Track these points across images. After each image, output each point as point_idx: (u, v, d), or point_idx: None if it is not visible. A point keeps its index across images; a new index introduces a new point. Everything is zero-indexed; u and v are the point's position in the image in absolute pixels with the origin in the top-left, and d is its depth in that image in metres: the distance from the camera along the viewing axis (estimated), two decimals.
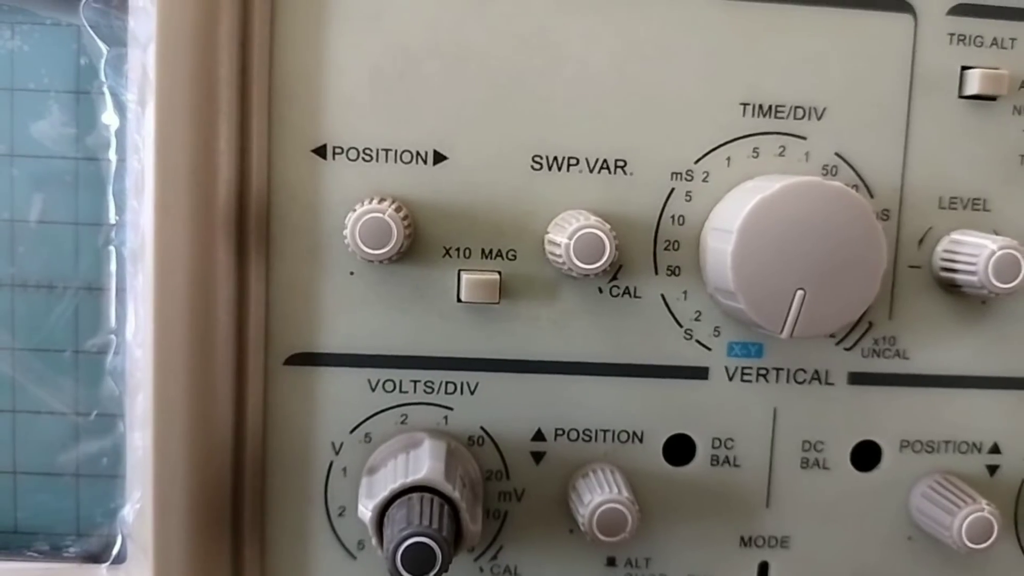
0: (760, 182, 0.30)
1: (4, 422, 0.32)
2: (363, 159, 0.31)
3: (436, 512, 0.27)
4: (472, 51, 0.31)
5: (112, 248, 0.30)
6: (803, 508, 0.33)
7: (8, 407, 0.31)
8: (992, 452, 0.34)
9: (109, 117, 0.30)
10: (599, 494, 0.30)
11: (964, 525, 0.31)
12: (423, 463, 0.29)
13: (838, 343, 0.33)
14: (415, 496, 0.28)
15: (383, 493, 0.28)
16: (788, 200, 0.28)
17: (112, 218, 0.30)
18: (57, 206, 0.30)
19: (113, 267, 0.30)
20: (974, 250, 0.31)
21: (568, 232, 0.29)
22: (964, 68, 0.32)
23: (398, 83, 0.30)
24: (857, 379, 0.33)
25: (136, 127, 0.29)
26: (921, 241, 0.32)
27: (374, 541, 0.28)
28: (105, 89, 0.29)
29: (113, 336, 0.31)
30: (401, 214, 0.29)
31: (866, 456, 0.33)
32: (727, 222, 0.29)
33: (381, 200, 0.29)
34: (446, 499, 0.28)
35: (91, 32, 0.29)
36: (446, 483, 0.28)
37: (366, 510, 0.28)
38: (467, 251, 0.31)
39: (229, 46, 0.29)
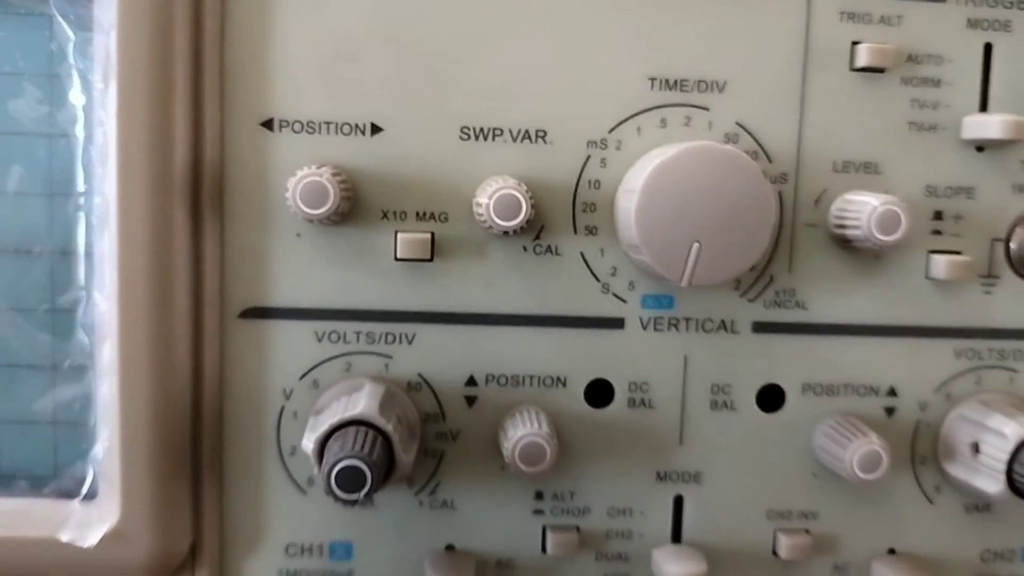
0: (663, 148, 0.33)
1: (8, 375, 0.35)
2: (307, 131, 0.34)
3: (369, 441, 0.30)
4: (405, 33, 0.34)
5: (81, 214, 0.33)
6: (713, 446, 0.37)
7: (7, 361, 0.35)
8: (889, 395, 0.37)
9: (77, 96, 0.33)
10: (522, 430, 0.33)
11: (856, 457, 0.34)
12: (360, 402, 0.32)
13: (742, 295, 0.36)
14: (351, 429, 0.31)
15: (323, 427, 0.31)
16: (685, 162, 0.32)
17: (81, 187, 0.33)
18: (32, 177, 0.34)
19: (82, 231, 0.33)
20: (860, 207, 0.34)
21: (488, 193, 0.32)
22: (854, 43, 0.35)
23: (338, 63, 0.34)
24: (760, 328, 0.36)
25: (101, 104, 0.32)
26: (817, 201, 0.36)
27: (315, 470, 0.31)
28: (73, 71, 0.33)
29: (83, 293, 0.34)
30: (339, 178, 0.32)
31: (771, 398, 0.37)
32: (632, 183, 0.32)
33: (321, 166, 0.32)
34: (379, 432, 0.31)
35: (60, 20, 0.32)
36: (380, 417, 0.31)
37: (308, 443, 0.31)
38: (403, 214, 0.35)
39: (183, 30, 0.32)
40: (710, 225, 0.32)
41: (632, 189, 0.32)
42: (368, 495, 0.29)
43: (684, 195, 0.32)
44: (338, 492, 0.29)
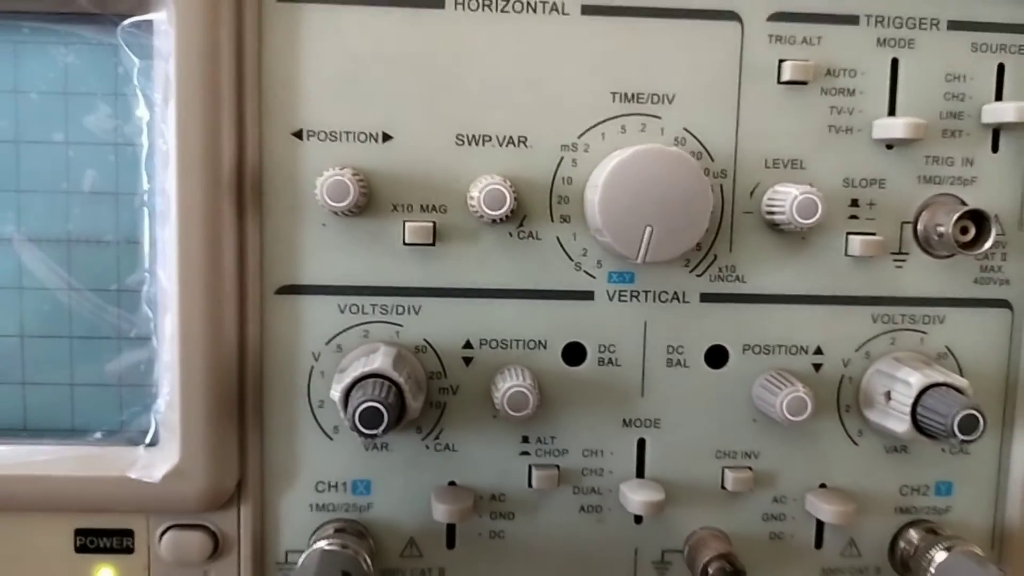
0: (621, 150, 0.41)
1: (64, 346, 0.42)
2: (330, 140, 0.41)
3: (384, 390, 0.37)
4: (407, 57, 0.41)
5: (145, 209, 0.41)
6: (670, 397, 0.44)
7: (67, 334, 0.42)
8: (816, 353, 0.44)
9: (141, 111, 0.40)
10: (510, 382, 0.40)
11: (785, 402, 0.41)
12: (377, 360, 0.39)
13: (691, 271, 0.43)
14: (370, 380, 0.38)
15: (347, 380, 0.38)
16: (637, 161, 0.39)
17: (145, 187, 0.41)
18: (104, 180, 0.41)
19: (147, 223, 0.41)
20: (784, 196, 0.41)
21: (479, 188, 0.39)
22: (781, 60, 0.42)
23: (354, 82, 0.41)
24: (707, 298, 0.43)
25: (162, 118, 0.39)
26: (752, 193, 0.43)
27: (341, 415, 0.38)
28: (138, 91, 0.40)
29: (147, 274, 0.41)
30: (357, 178, 0.39)
31: (716, 357, 0.44)
32: (596, 179, 0.40)
33: (342, 168, 0.39)
34: (393, 383, 0.38)
35: (126, 49, 0.40)
36: (393, 371, 0.38)
37: (335, 392, 0.38)
38: (409, 206, 0.42)
39: (228, 56, 0.39)
40: (659, 212, 0.39)
41: (595, 183, 0.40)
42: (385, 431, 0.36)
43: (637, 188, 0.39)
44: (361, 428, 0.36)
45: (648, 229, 0.39)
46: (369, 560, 0.40)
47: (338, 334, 0.42)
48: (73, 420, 0.42)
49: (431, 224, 0.41)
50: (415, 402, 0.39)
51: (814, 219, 0.40)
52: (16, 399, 0.42)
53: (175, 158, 0.39)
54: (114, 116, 0.41)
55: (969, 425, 0.39)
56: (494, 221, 0.40)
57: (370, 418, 0.36)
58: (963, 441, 0.39)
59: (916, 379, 0.42)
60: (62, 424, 0.42)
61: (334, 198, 0.39)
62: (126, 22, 0.39)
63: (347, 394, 0.38)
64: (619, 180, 0.39)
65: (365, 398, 0.36)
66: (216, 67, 0.39)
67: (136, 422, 0.42)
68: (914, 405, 0.41)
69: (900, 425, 0.42)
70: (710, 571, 0.42)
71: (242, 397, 0.42)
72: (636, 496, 0.42)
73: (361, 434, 0.36)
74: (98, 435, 0.42)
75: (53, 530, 0.42)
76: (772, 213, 0.42)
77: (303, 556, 0.40)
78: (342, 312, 0.42)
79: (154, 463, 0.40)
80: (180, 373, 0.40)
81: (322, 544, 0.40)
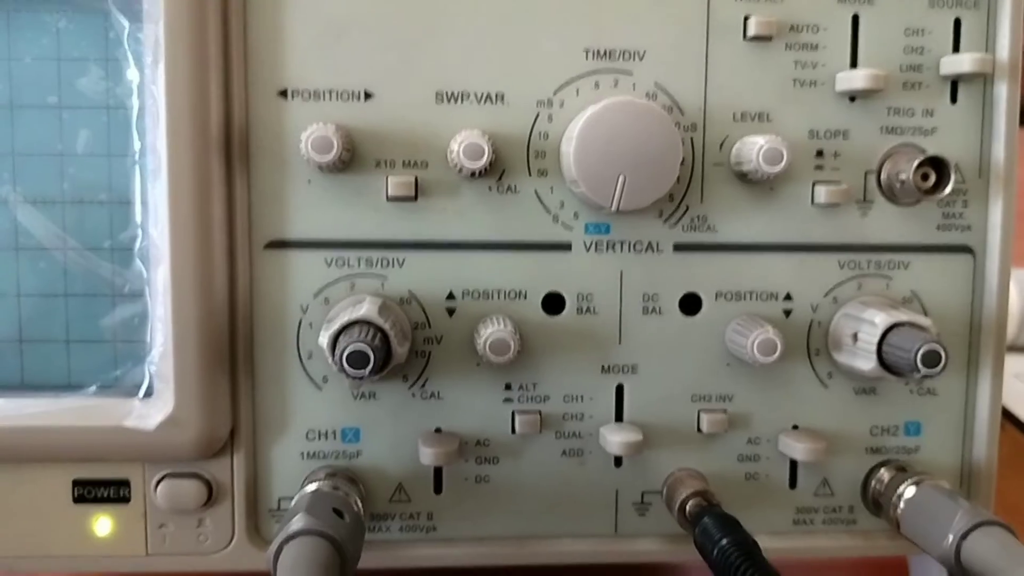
0: (593, 104, 0.42)
1: (59, 303, 0.43)
2: (313, 99, 0.43)
3: (370, 334, 0.39)
4: (387, 16, 0.43)
5: (137, 168, 0.42)
6: (646, 343, 0.45)
7: (62, 291, 0.43)
8: (786, 299, 0.46)
9: (132, 73, 0.41)
10: (491, 328, 0.42)
11: (755, 344, 0.43)
12: (363, 308, 0.41)
13: (664, 221, 0.45)
14: (356, 327, 0.40)
15: (335, 326, 0.40)
16: (609, 113, 0.41)
17: (136, 147, 0.42)
18: (96, 141, 0.42)
19: (138, 181, 0.42)
20: (751, 147, 0.43)
21: (458, 141, 0.41)
22: (746, 17, 0.44)
23: (335, 42, 0.43)
24: (680, 247, 0.45)
25: (151, 80, 0.41)
26: (721, 145, 0.44)
27: (329, 359, 0.40)
28: (128, 54, 0.41)
29: (139, 231, 0.42)
30: (340, 133, 0.41)
31: (690, 304, 0.45)
32: (571, 133, 0.41)
33: (326, 124, 0.41)
34: (379, 329, 0.40)
35: (116, 12, 0.41)
36: (379, 318, 0.40)
37: (323, 338, 0.40)
38: (392, 162, 0.43)
39: (215, 19, 0.41)
40: (631, 162, 0.41)
41: (570, 136, 0.41)
42: (371, 373, 0.38)
43: (610, 139, 0.41)
44: (349, 370, 0.38)
45: (621, 178, 0.41)
46: (360, 503, 0.42)
47: (325, 287, 0.44)
48: (69, 376, 0.44)
49: (413, 179, 0.43)
50: (400, 348, 0.40)
51: (780, 167, 0.42)
52: (13, 356, 0.44)
53: (165, 118, 0.41)
54: (105, 79, 0.42)
55: (931, 359, 0.41)
56: (473, 174, 0.42)
57: (357, 360, 0.38)
58: (924, 376, 0.41)
59: (881, 319, 0.43)
60: (58, 380, 0.44)
61: (319, 151, 0.40)
62: None
63: (335, 340, 0.40)
64: (592, 131, 0.41)
65: (351, 340, 0.38)
66: (203, 28, 0.41)
67: (130, 375, 0.43)
68: (879, 343, 0.43)
69: (867, 363, 0.44)
70: (688, 508, 0.43)
71: (233, 349, 0.43)
72: (615, 438, 0.44)
73: (348, 376, 0.38)
74: (93, 388, 0.43)
75: (51, 482, 0.44)
76: (740, 164, 0.44)
77: (295, 497, 0.41)
78: (329, 266, 0.44)
79: (149, 413, 0.42)
80: (173, 325, 0.41)
81: (313, 486, 0.42)
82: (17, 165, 0.42)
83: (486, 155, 0.41)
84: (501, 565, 0.46)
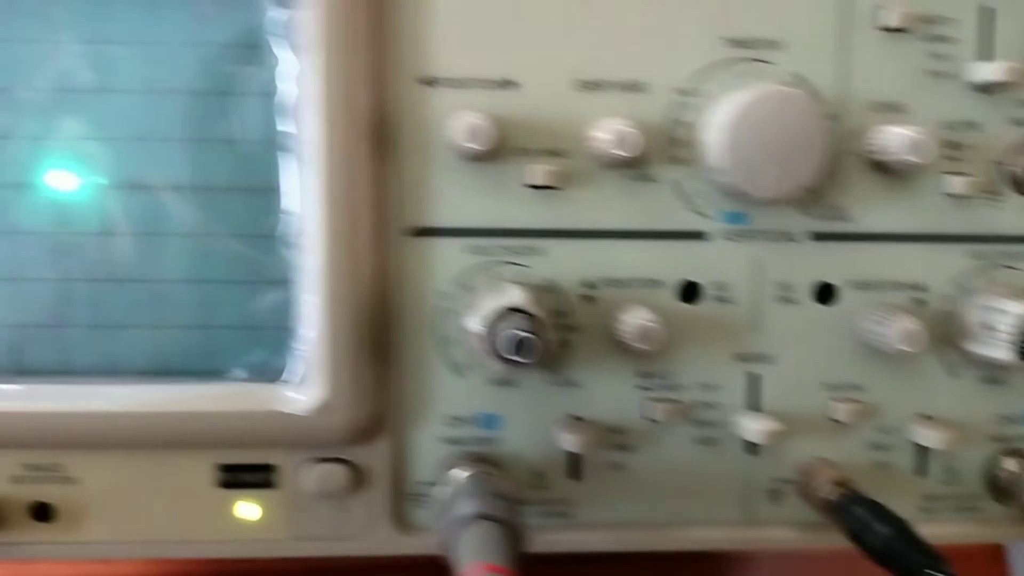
0: (740, 92, 0.42)
1: (202, 289, 0.44)
2: (456, 87, 0.43)
3: (530, 322, 0.39)
4: (528, 8, 0.43)
5: (287, 155, 0.42)
6: (780, 333, 0.46)
7: (206, 277, 0.44)
8: (918, 289, 0.46)
9: (279, 60, 0.42)
10: (637, 317, 0.42)
11: (898, 334, 0.43)
12: (516, 295, 0.41)
13: (801, 211, 0.45)
14: (513, 314, 0.40)
15: (490, 311, 0.40)
16: (763, 101, 0.41)
17: (286, 134, 0.42)
18: (247, 128, 0.43)
19: (288, 169, 0.42)
20: (896, 138, 0.43)
21: (612, 131, 0.41)
22: (882, 8, 0.44)
23: (481, 31, 0.43)
24: (816, 237, 0.45)
25: (302, 67, 0.41)
26: (860, 135, 0.45)
27: (481, 344, 0.40)
28: (277, 40, 0.42)
29: (288, 219, 0.43)
30: (486, 123, 0.41)
31: (825, 294, 0.46)
32: (720, 120, 0.42)
33: (477, 112, 0.41)
34: (534, 317, 0.40)
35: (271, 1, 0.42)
36: (534, 306, 0.40)
37: (478, 326, 0.40)
38: (533, 151, 0.44)
39: (364, 7, 0.41)
40: (782, 151, 0.41)
41: (718, 125, 0.42)
42: (536, 361, 0.38)
43: (762, 128, 0.41)
44: (516, 358, 0.38)
45: (773, 167, 0.41)
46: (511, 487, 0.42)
47: (466, 274, 0.44)
48: (213, 362, 0.44)
49: (554, 168, 0.43)
50: (552, 336, 0.41)
51: (928, 158, 0.42)
52: (155, 342, 0.44)
53: (319, 105, 0.41)
54: (252, 65, 0.42)
55: None
56: (616, 164, 0.42)
57: (524, 348, 0.38)
58: None
59: (1015, 308, 0.44)
60: (202, 366, 0.44)
61: (467, 139, 0.41)
62: None
63: (490, 327, 0.40)
64: (746, 120, 0.41)
65: (515, 327, 0.38)
66: (355, 17, 0.41)
67: (274, 361, 0.44)
68: (1015, 333, 0.43)
69: (1003, 353, 0.44)
70: (829, 496, 0.44)
71: (379, 335, 0.44)
72: (756, 426, 0.44)
73: (515, 364, 0.38)
74: (239, 374, 0.44)
75: (196, 468, 0.44)
76: (882, 154, 0.44)
77: (449, 482, 0.41)
78: (470, 253, 0.44)
79: (301, 399, 0.42)
80: (326, 312, 0.42)
81: (466, 471, 0.42)
82: (162, 150, 0.43)
83: (637, 143, 0.41)
84: (634, 552, 0.46)
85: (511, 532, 0.36)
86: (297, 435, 0.43)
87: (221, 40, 0.42)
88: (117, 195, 0.43)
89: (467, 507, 0.37)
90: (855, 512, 0.41)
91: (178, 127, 0.43)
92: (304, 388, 0.43)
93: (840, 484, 0.44)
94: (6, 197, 0.43)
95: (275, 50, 0.42)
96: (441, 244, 0.44)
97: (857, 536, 0.41)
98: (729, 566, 0.62)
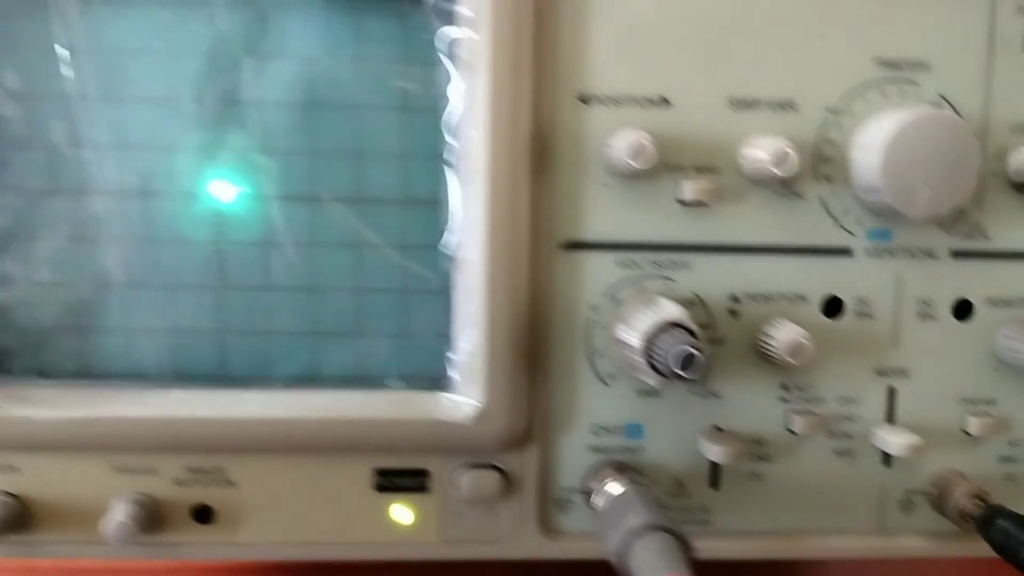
0: (895, 112, 0.43)
1: (370, 298, 0.45)
2: (612, 104, 0.44)
3: (691, 337, 0.41)
4: (684, 28, 0.44)
5: (449, 169, 0.44)
6: (919, 347, 0.46)
7: (364, 287, 0.45)
8: None
9: (444, 77, 0.43)
10: (788, 332, 0.43)
11: None
12: (672, 309, 0.42)
13: (943, 228, 0.46)
14: (671, 328, 0.41)
15: (649, 326, 0.41)
16: (919, 124, 0.42)
17: (450, 149, 0.43)
18: (412, 143, 0.44)
19: (449, 183, 0.44)
20: None
21: (770, 150, 0.42)
22: None
23: (636, 50, 0.44)
24: (956, 255, 0.46)
25: (466, 84, 0.42)
26: (1001, 156, 0.46)
27: (638, 359, 0.41)
28: (445, 58, 0.43)
29: (449, 232, 0.44)
30: (649, 142, 0.42)
31: (963, 310, 0.47)
32: (876, 140, 0.42)
33: (638, 131, 0.42)
34: (691, 332, 0.41)
35: (432, 16, 0.43)
36: (692, 322, 0.41)
37: (635, 340, 0.41)
38: (685, 167, 0.45)
39: (527, 27, 0.42)
40: (936, 172, 0.42)
41: (873, 145, 0.43)
42: (702, 376, 0.39)
43: (918, 149, 0.42)
44: (684, 373, 0.39)
45: (925, 188, 0.42)
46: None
47: (615, 287, 0.45)
48: (370, 369, 0.45)
49: (707, 184, 0.44)
50: (709, 352, 0.42)
51: None
52: (319, 349, 0.45)
53: (484, 121, 0.42)
54: (422, 82, 0.43)
55: None
56: (771, 181, 0.43)
57: (692, 364, 0.39)
58: None
59: None
60: (359, 372, 0.45)
61: (632, 157, 0.42)
62: None
63: (649, 341, 0.41)
64: (903, 142, 0.42)
65: (683, 343, 0.39)
66: (520, 38, 0.42)
67: (429, 369, 0.45)
68: None
69: None
70: (968, 507, 0.45)
71: (532, 345, 0.45)
72: (897, 440, 0.45)
73: (681, 378, 0.39)
74: (396, 382, 0.45)
75: (354, 472, 0.45)
76: (1018, 174, 0.45)
77: (609, 494, 0.43)
78: (619, 267, 0.45)
79: (458, 407, 0.44)
80: (485, 323, 0.43)
81: (620, 482, 0.43)
82: (327, 163, 0.44)
83: (795, 162, 0.42)
84: (769, 559, 0.47)
85: (683, 542, 0.38)
86: (454, 442, 0.44)
87: (391, 57, 0.43)
88: (280, 206, 0.44)
89: (637, 518, 0.38)
90: (1003, 526, 0.42)
91: (345, 140, 0.44)
92: (462, 396, 0.44)
93: (978, 497, 0.45)
94: (171, 207, 0.44)
95: (443, 68, 0.43)
96: (592, 257, 0.45)
97: (1007, 549, 0.42)
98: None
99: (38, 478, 0.45)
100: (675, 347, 0.40)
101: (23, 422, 0.43)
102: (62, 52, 0.42)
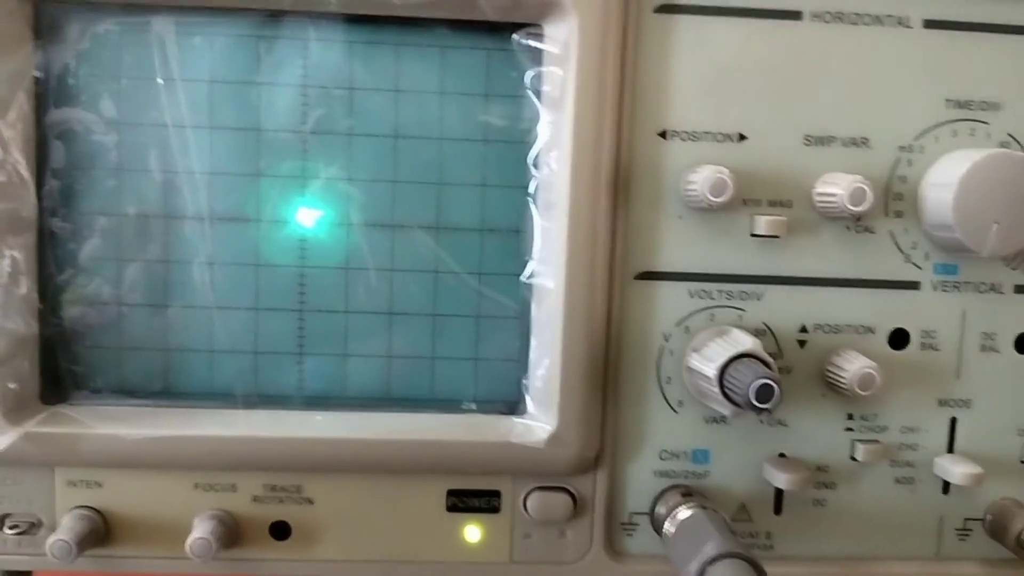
0: (966, 152, 0.44)
1: (448, 324, 0.46)
2: (690, 140, 0.45)
3: (766, 368, 0.42)
4: (764, 66, 0.45)
5: (530, 200, 0.45)
6: (981, 379, 0.47)
7: (455, 312, 0.46)
8: None
9: (531, 111, 0.44)
10: (857, 364, 0.44)
11: None
12: (747, 341, 0.43)
13: (1008, 264, 0.47)
14: (747, 359, 0.42)
15: (725, 357, 0.42)
16: (991, 163, 0.43)
17: (531, 180, 0.44)
18: (495, 174, 0.45)
19: (531, 214, 0.45)
20: None
21: (842, 186, 0.43)
22: None
23: (716, 88, 0.45)
24: (1019, 290, 0.47)
25: (551, 119, 0.43)
26: None
27: (714, 389, 0.42)
28: (529, 93, 0.44)
29: (527, 260, 0.45)
30: (729, 178, 0.43)
31: None
32: (948, 178, 0.43)
33: (719, 167, 0.43)
34: (766, 364, 0.42)
35: (520, 55, 0.44)
36: (765, 353, 0.42)
37: (710, 370, 0.42)
38: (758, 201, 0.46)
39: (613, 64, 0.43)
40: (1006, 211, 0.43)
41: (944, 183, 0.44)
42: (776, 407, 0.40)
43: (989, 188, 0.43)
44: (761, 404, 0.40)
45: (996, 226, 0.43)
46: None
47: (687, 316, 0.46)
48: (447, 391, 0.46)
49: (780, 218, 0.45)
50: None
51: None
52: (397, 372, 0.46)
53: (567, 155, 0.43)
54: (507, 117, 0.44)
55: None
56: (843, 216, 0.44)
57: (770, 395, 0.40)
58: None
59: None
60: (436, 395, 0.46)
61: (714, 193, 0.43)
62: (521, 31, 0.43)
63: (723, 371, 0.42)
64: (974, 180, 0.43)
65: (764, 374, 0.40)
66: (604, 75, 0.43)
67: (503, 393, 0.46)
68: None
69: None
70: None
71: (605, 372, 0.46)
72: (958, 469, 0.46)
73: (757, 409, 0.40)
74: (470, 405, 0.46)
75: (428, 492, 0.46)
76: None
77: (679, 519, 0.44)
78: (691, 297, 0.46)
79: (532, 431, 0.45)
80: (562, 350, 0.44)
81: (690, 507, 0.44)
82: (412, 192, 0.45)
83: (869, 199, 0.43)
84: None
85: (757, 568, 0.39)
86: (527, 465, 0.45)
87: (479, 92, 0.44)
88: (364, 233, 0.45)
89: (713, 546, 0.39)
90: None
91: (430, 171, 0.45)
92: (535, 421, 0.45)
93: None
94: (256, 232, 0.45)
95: (529, 102, 0.44)
96: (665, 288, 0.46)
97: None
98: None
99: (120, 494, 0.46)
100: (752, 379, 0.41)
101: (108, 439, 0.44)
102: (158, 81, 0.43)
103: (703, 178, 0.43)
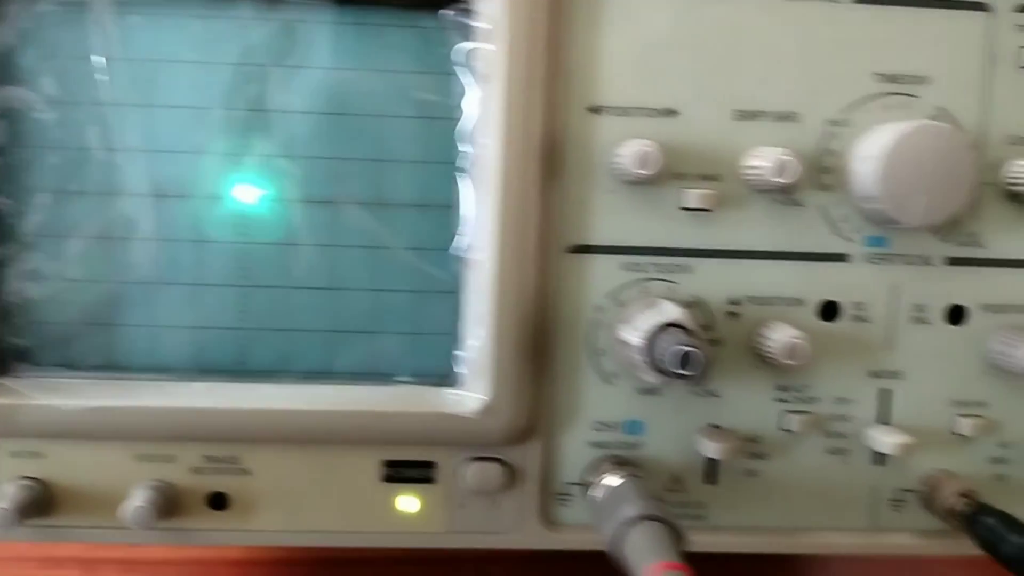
0: (893, 125, 0.45)
1: (383, 298, 0.47)
2: (622, 115, 0.46)
3: (690, 337, 0.42)
4: (693, 41, 0.45)
5: (461, 175, 0.45)
6: (912, 351, 0.48)
7: (378, 287, 0.47)
8: None
9: (459, 87, 0.45)
10: (785, 334, 0.45)
11: None
12: (673, 311, 0.44)
13: (939, 237, 0.47)
14: (672, 328, 0.43)
15: (650, 325, 0.43)
16: (917, 135, 0.43)
17: (462, 155, 0.45)
18: (426, 149, 0.46)
19: (461, 188, 0.45)
20: None
21: (772, 160, 0.44)
22: (1022, 47, 0.47)
23: (645, 63, 0.45)
24: (951, 262, 0.48)
25: (482, 94, 0.44)
26: (997, 167, 0.47)
27: (639, 358, 0.43)
28: (461, 69, 0.44)
29: (459, 234, 0.46)
30: (655, 150, 0.44)
31: (956, 315, 0.48)
32: (875, 150, 0.44)
33: (647, 140, 0.44)
34: (691, 331, 0.43)
35: (450, 30, 0.44)
36: (691, 321, 0.43)
37: (637, 339, 0.43)
38: (689, 175, 0.46)
39: (543, 44, 0.44)
40: (933, 182, 0.44)
41: (872, 155, 0.44)
42: (700, 374, 0.41)
43: (916, 159, 0.43)
44: (683, 371, 0.41)
45: (922, 197, 0.44)
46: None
47: (619, 289, 0.47)
48: (382, 365, 0.47)
49: (707, 191, 0.46)
50: (708, 352, 0.43)
51: None
52: (333, 346, 0.47)
53: (497, 130, 0.43)
54: (438, 92, 0.45)
55: None
56: (772, 189, 0.45)
57: (690, 362, 0.41)
58: None
59: None
60: (371, 368, 0.47)
61: (638, 166, 0.43)
62: (451, 6, 0.44)
63: (649, 340, 0.43)
64: (900, 152, 0.43)
65: (680, 342, 0.41)
66: (534, 51, 0.44)
67: (437, 365, 0.47)
68: None
69: None
70: (957, 506, 0.46)
71: (536, 344, 0.46)
72: (889, 439, 0.47)
73: (682, 377, 0.41)
74: (406, 377, 0.47)
75: (362, 463, 0.47)
76: (1015, 184, 0.46)
77: (608, 486, 0.44)
78: (624, 270, 0.47)
79: (465, 402, 0.45)
80: (494, 321, 0.45)
81: (618, 475, 0.45)
82: (346, 169, 0.46)
83: (797, 171, 0.43)
84: (764, 552, 0.49)
85: (675, 531, 0.39)
86: (460, 435, 0.46)
87: (410, 69, 0.45)
88: (300, 209, 0.46)
89: (632, 509, 0.40)
90: (987, 523, 0.44)
91: (363, 148, 0.45)
92: (468, 392, 0.46)
93: (966, 496, 0.47)
94: (196, 208, 0.46)
95: (457, 77, 0.44)
96: (598, 261, 0.47)
97: (991, 545, 0.43)
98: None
99: (61, 464, 0.46)
100: (674, 346, 0.41)
101: (48, 410, 0.45)
102: (98, 60, 0.44)
103: (629, 151, 0.43)
